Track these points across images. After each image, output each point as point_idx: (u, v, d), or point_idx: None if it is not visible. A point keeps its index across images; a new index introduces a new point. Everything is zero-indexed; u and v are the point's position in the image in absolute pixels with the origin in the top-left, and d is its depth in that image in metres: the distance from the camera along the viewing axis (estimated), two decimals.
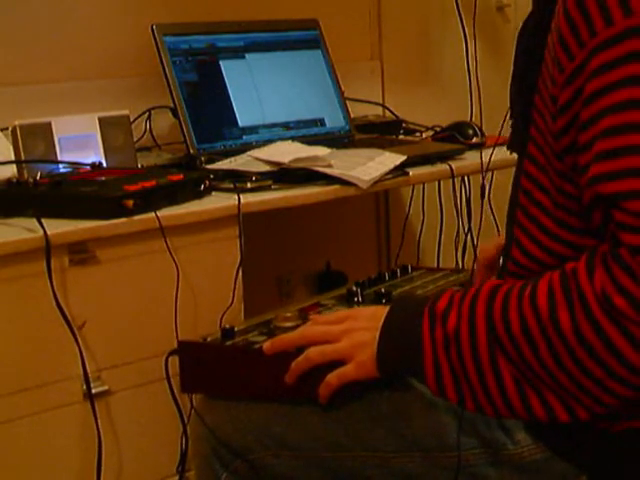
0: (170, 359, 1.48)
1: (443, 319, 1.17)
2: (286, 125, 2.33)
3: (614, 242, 1.06)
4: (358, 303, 1.58)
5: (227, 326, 1.44)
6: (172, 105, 2.16)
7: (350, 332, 1.26)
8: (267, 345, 1.33)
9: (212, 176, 1.89)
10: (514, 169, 1.29)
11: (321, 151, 2.03)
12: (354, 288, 1.61)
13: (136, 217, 1.67)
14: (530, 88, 1.21)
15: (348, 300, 1.59)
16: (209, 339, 1.42)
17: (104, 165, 1.92)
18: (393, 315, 1.23)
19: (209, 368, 1.40)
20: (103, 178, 1.79)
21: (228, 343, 1.40)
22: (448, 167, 2.16)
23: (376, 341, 1.22)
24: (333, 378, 1.26)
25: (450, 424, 1.26)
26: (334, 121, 2.43)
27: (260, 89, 2.31)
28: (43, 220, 1.59)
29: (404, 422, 1.29)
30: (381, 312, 1.25)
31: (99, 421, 1.66)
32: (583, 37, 1.08)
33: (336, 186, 1.93)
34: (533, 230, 1.20)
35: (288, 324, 1.44)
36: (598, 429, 1.18)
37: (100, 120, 1.96)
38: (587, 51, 1.07)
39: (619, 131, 1.05)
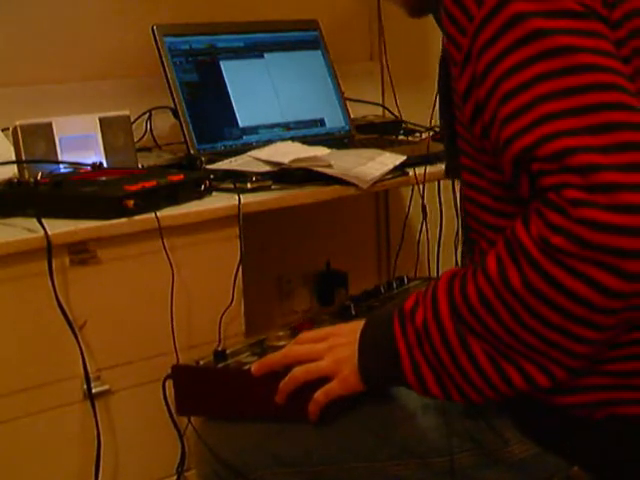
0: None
1: (411, 317, 1.20)
2: (286, 125, 2.33)
3: (540, 190, 1.10)
4: (352, 318, 1.57)
5: (219, 348, 1.44)
6: (172, 105, 2.17)
7: (332, 349, 1.28)
8: (255, 367, 1.34)
9: (212, 176, 1.89)
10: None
11: (321, 151, 2.03)
12: (347, 303, 1.62)
13: (136, 217, 1.68)
14: (453, 114, 1.27)
15: (342, 316, 1.59)
16: (202, 362, 1.42)
17: (105, 165, 1.93)
18: (368, 327, 1.26)
19: (203, 391, 1.41)
20: (104, 178, 1.80)
21: (220, 365, 1.41)
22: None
23: (356, 355, 1.24)
24: (320, 395, 1.28)
25: (440, 428, 1.28)
26: (334, 121, 2.44)
27: (260, 89, 2.31)
28: (44, 220, 1.59)
29: (394, 430, 1.31)
30: (359, 326, 1.27)
31: (99, 420, 1.66)
32: (464, 25, 1.15)
33: (336, 186, 1.94)
34: (484, 230, 1.24)
35: (281, 343, 1.44)
36: (579, 419, 1.19)
37: (101, 120, 1.96)
38: (470, 36, 1.15)
39: (514, 93, 1.11)
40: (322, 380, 1.28)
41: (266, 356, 1.36)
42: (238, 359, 1.41)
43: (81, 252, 1.64)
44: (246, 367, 1.36)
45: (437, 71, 1.36)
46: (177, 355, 1.70)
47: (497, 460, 1.26)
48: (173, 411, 1.58)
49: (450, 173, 1.42)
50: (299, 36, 2.44)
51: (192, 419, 1.63)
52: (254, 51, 2.34)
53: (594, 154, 1.06)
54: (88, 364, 1.64)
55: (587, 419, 1.19)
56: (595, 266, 1.06)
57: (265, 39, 2.37)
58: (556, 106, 1.08)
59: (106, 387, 1.69)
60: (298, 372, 1.29)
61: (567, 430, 1.21)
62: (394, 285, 1.75)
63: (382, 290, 1.72)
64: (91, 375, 1.65)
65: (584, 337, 1.11)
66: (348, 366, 1.25)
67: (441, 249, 2.66)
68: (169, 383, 1.45)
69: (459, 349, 1.16)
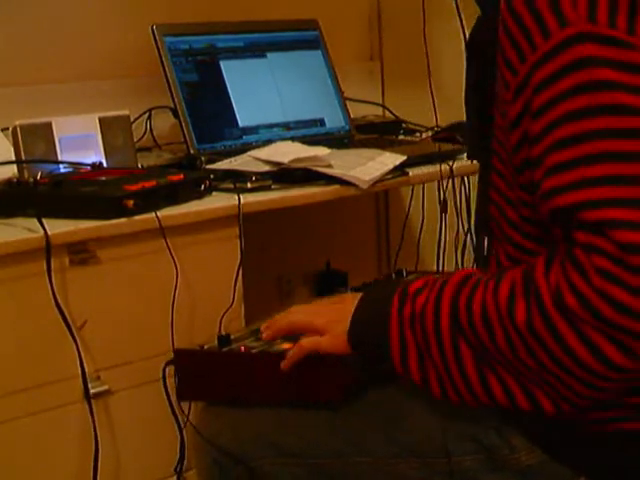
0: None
1: (413, 298, 1.19)
2: (286, 125, 2.33)
3: (570, 241, 1.07)
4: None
5: (223, 333, 1.44)
6: (172, 105, 2.16)
7: (332, 311, 1.30)
8: (267, 333, 1.36)
9: (212, 176, 1.89)
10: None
11: (321, 151, 2.03)
12: (348, 293, 1.62)
13: (136, 217, 1.68)
14: (483, 98, 1.23)
15: None
16: (206, 347, 1.42)
17: (104, 165, 1.93)
18: (368, 294, 1.27)
19: (206, 375, 1.40)
20: (103, 178, 1.80)
21: (225, 350, 1.40)
22: (448, 167, 2.16)
23: (350, 318, 1.25)
24: (307, 342, 1.29)
25: (445, 430, 1.27)
26: (334, 121, 2.44)
27: (260, 89, 2.31)
28: (43, 220, 1.59)
29: (400, 429, 1.31)
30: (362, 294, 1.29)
31: (99, 421, 1.66)
32: (524, 52, 1.09)
33: (336, 186, 1.93)
34: (505, 244, 1.22)
35: None
36: (589, 432, 1.18)
37: (100, 120, 1.96)
38: (529, 66, 1.09)
39: (567, 143, 1.06)
40: (326, 363, 1.29)
41: (273, 323, 1.37)
42: (242, 344, 1.41)
43: (81, 252, 1.64)
44: (252, 351, 1.37)
45: (465, 56, 1.32)
46: None
47: (503, 465, 1.25)
48: (173, 401, 1.57)
49: (473, 156, 1.40)
50: (299, 36, 2.44)
51: (190, 415, 1.63)
52: (254, 51, 2.34)
53: (639, 233, 1.02)
54: (88, 364, 1.64)
55: (596, 434, 1.18)
56: (604, 338, 1.04)
57: (265, 39, 2.37)
58: (607, 170, 1.04)
59: (105, 387, 1.68)
60: (305, 343, 1.31)
61: (574, 442, 1.20)
62: (393, 277, 1.75)
63: None
64: (91, 375, 1.65)
65: (575, 389, 1.10)
66: (341, 326, 1.26)
67: (441, 249, 2.66)
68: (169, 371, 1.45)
69: (449, 347, 1.15)
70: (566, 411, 1.12)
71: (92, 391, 1.65)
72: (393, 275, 1.77)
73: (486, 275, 1.17)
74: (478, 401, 1.16)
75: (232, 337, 1.43)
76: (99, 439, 1.66)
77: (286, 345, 1.36)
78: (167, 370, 1.48)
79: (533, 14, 1.08)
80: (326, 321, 1.29)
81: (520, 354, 1.09)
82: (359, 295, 1.28)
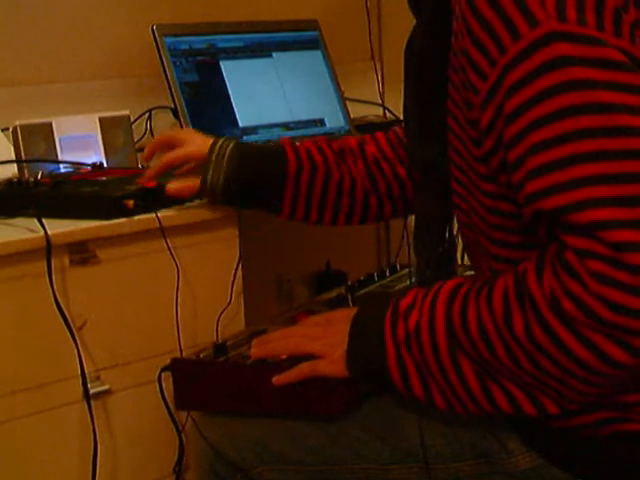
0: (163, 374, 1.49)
1: (405, 317, 1.18)
2: (286, 125, 2.33)
3: (559, 244, 1.05)
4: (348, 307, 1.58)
5: (219, 341, 1.44)
6: (172, 105, 2.17)
7: (327, 336, 1.29)
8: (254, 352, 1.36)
9: None
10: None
11: None
12: (344, 292, 1.62)
13: (137, 217, 1.68)
14: (423, 107, 1.21)
15: (339, 305, 1.59)
16: (202, 355, 1.42)
17: (105, 165, 1.93)
18: (359, 315, 1.25)
19: (203, 385, 1.40)
20: (104, 178, 1.80)
21: (221, 359, 1.40)
22: None
23: (346, 341, 1.24)
24: (306, 366, 1.28)
25: (443, 435, 1.27)
26: (334, 121, 2.44)
27: (260, 89, 2.31)
28: (44, 220, 1.59)
29: (399, 435, 1.31)
30: (354, 312, 1.27)
31: (98, 421, 1.66)
32: (493, 56, 1.07)
33: None
34: (483, 256, 1.22)
35: None
36: (583, 437, 1.19)
37: (101, 120, 1.96)
38: (499, 69, 1.06)
39: (547, 145, 1.04)
40: (329, 380, 1.28)
41: (263, 346, 1.36)
42: (239, 352, 1.41)
43: (81, 252, 1.64)
44: (248, 361, 1.37)
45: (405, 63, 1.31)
46: (180, 355, 1.69)
47: (500, 470, 1.25)
48: (171, 405, 1.57)
49: (413, 167, 1.39)
50: (299, 36, 2.44)
51: (189, 416, 1.63)
52: (254, 51, 2.34)
53: (630, 231, 1.00)
54: (87, 364, 1.64)
55: (591, 437, 1.18)
56: (604, 337, 1.03)
57: (265, 39, 2.37)
58: (590, 170, 1.02)
59: (106, 387, 1.68)
60: (304, 367, 1.30)
61: (571, 446, 1.21)
62: (387, 273, 1.75)
63: (375, 278, 1.72)
64: (90, 375, 1.65)
65: (578, 390, 1.10)
66: (338, 350, 1.25)
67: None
68: (165, 376, 1.44)
69: (448, 361, 1.15)
70: (570, 410, 1.13)
71: (92, 391, 1.65)
72: (387, 270, 1.76)
73: (475, 283, 1.15)
74: (483, 411, 1.16)
75: (228, 344, 1.43)
76: (98, 439, 1.66)
77: (283, 355, 1.35)
78: (162, 376, 1.48)
79: (499, 15, 1.05)
80: (322, 344, 1.28)
81: (522, 363, 1.09)
82: (350, 314, 1.27)
